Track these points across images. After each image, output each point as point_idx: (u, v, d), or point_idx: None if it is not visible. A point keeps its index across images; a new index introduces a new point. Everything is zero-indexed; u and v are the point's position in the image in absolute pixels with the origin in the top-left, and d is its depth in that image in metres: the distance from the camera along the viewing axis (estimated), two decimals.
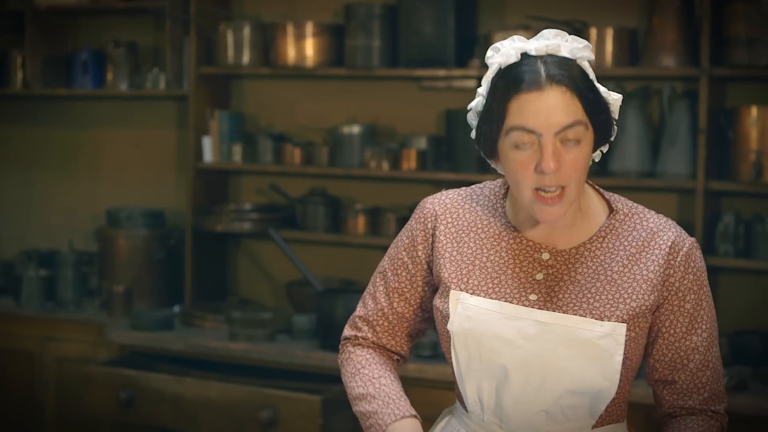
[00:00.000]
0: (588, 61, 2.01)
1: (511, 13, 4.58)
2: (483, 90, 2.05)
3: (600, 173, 4.17)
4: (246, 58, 4.79)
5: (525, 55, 1.98)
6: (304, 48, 4.69)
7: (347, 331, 2.25)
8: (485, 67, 2.10)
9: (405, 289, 2.18)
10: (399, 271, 2.18)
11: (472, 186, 2.21)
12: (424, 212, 2.16)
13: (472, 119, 2.11)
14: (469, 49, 4.50)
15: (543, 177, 1.94)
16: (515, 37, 2.03)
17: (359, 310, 2.24)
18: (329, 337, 4.23)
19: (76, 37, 5.39)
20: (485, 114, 2.03)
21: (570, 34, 2.04)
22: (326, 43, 4.70)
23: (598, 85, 2.01)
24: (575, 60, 1.99)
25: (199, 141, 4.92)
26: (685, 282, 2.02)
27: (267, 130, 4.96)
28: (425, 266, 2.16)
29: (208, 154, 4.90)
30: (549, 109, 1.92)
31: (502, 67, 2.00)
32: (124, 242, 4.92)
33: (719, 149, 4.18)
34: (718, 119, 4.17)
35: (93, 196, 5.44)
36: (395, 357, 2.25)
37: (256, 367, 4.34)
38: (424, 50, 4.51)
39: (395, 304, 2.19)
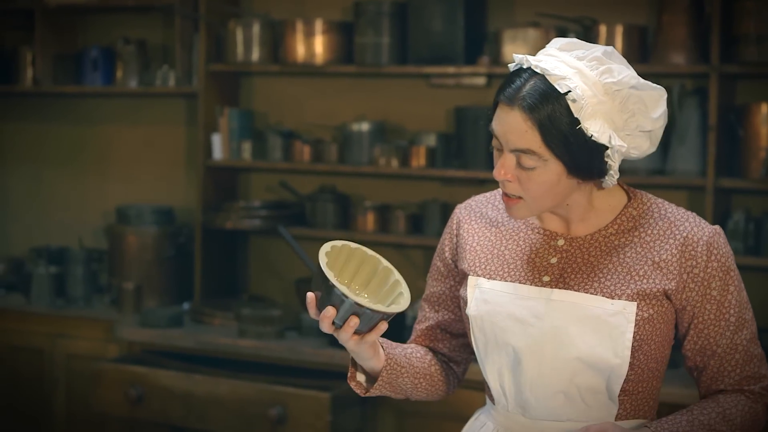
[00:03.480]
0: (574, 99, 1.93)
1: (520, 10, 4.57)
2: None
3: None
4: (255, 55, 4.80)
5: (519, 71, 1.99)
6: (314, 45, 4.69)
7: None
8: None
9: (440, 294, 2.27)
10: (435, 276, 2.28)
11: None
12: (452, 218, 2.27)
13: None
14: (479, 46, 4.50)
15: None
16: (564, 43, 2.03)
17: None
18: None
19: (86, 35, 5.40)
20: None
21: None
22: (335, 41, 4.70)
23: (586, 125, 1.94)
24: (564, 94, 1.93)
25: (209, 138, 4.92)
26: (709, 270, 2.03)
27: (276, 128, 4.96)
28: (453, 266, 2.23)
29: (218, 151, 4.91)
30: (508, 126, 1.98)
31: (513, 69, 2.04)
32: (133, 239, 4.93)
33: (729, 146, 4.17)
34: (728, 116, 4.16)
35: (103, 194, 5.45)
36: (444, 360, 2.31)
37: (265, 364, 4.35)
38: (433, 47, 4.51)
39: (430, 311, 2.29)
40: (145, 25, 5.27)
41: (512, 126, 1.96)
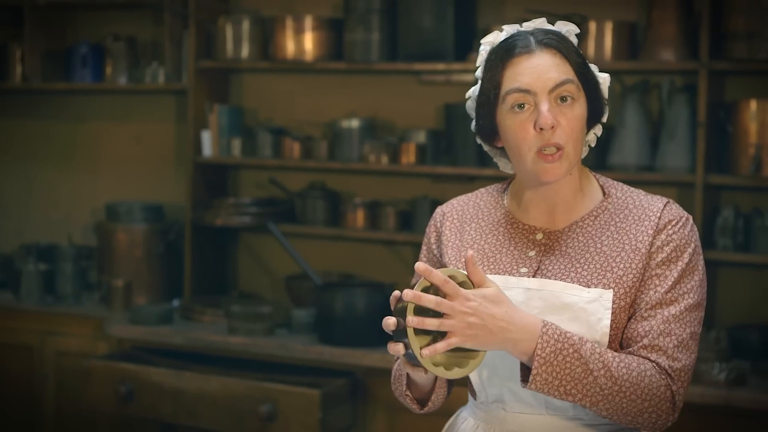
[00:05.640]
0: (576, 37, 2.13)
1: (510, 6, 4.57)
2: (479, 73, 2.13)
3: (599, 167, 4.17)
4: (245, 52, 4.79)
5: (516, 33, 2.11)
6: (303, 42, 4.69)
7: None
8: None
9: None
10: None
11: (479, 189, 2.31)
12: (434, 216, 2.29)
13: (471, 107, 2.17)
14: (469, 42, 4.50)
15: (542, 136, 2.00)
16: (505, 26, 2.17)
17: None
18: (328, 331, 4.23)
19: (75, 31, 5.39)
20: (482, 89, 2.10)
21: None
22: (325, 37, 4.70)
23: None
24: (562, 32, 2.11)
25: (199, 135, 4.91)
26: (658, 243, 2.04)
27: (266, 124, 4.96)
28: (439, 259, 2.24)
29: (208, 148, 4.90)
30: (541, 67, 2.02)
31: (494, 45, 2.11)
32: (123, 236, 4.93)
33: (718, 143, 4.18)
34: (717, 113, 4.16)
35: (92, 191, 5.44)
36: None
37: (255, 361, 4.35)
38: (423, 44, 4.51)
39: None
40: (134, 22, 5.26)
41: (546, 63, 2.03)
